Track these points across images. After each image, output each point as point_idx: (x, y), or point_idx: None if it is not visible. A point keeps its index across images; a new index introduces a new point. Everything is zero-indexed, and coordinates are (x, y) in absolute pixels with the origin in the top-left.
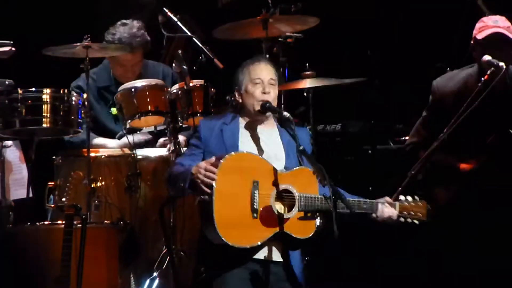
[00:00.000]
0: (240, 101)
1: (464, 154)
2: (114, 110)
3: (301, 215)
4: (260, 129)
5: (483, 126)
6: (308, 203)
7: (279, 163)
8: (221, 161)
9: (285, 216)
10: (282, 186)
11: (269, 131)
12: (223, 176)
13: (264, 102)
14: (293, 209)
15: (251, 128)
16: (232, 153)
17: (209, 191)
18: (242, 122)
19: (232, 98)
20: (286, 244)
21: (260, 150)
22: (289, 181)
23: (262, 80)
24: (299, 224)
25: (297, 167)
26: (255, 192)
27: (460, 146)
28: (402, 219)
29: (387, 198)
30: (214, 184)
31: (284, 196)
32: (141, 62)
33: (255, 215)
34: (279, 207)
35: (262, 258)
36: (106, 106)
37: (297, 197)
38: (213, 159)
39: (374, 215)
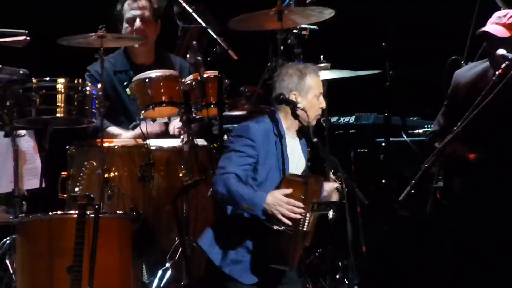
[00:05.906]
0: (301, 106)
1: (474, 146)
2: (128, 91)
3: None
4: (294, 135)
5: (490, 119)
6: (320, 208)
7: (303, 166)
8: (302, 197)
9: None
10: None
11: (295, 136)
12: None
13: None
14: (306, 221)
15: (290, 137)
16: (309, 180)
17: (291, 223)
18: (285, 131)
19: (281, 97)
20: None
21: (297, 161)
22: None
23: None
24: (311, 233)
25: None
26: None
27: (470, 138)
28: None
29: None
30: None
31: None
32: (152, 33)
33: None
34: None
35: None
36: (123, 88)
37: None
38: (289, 190)
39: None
